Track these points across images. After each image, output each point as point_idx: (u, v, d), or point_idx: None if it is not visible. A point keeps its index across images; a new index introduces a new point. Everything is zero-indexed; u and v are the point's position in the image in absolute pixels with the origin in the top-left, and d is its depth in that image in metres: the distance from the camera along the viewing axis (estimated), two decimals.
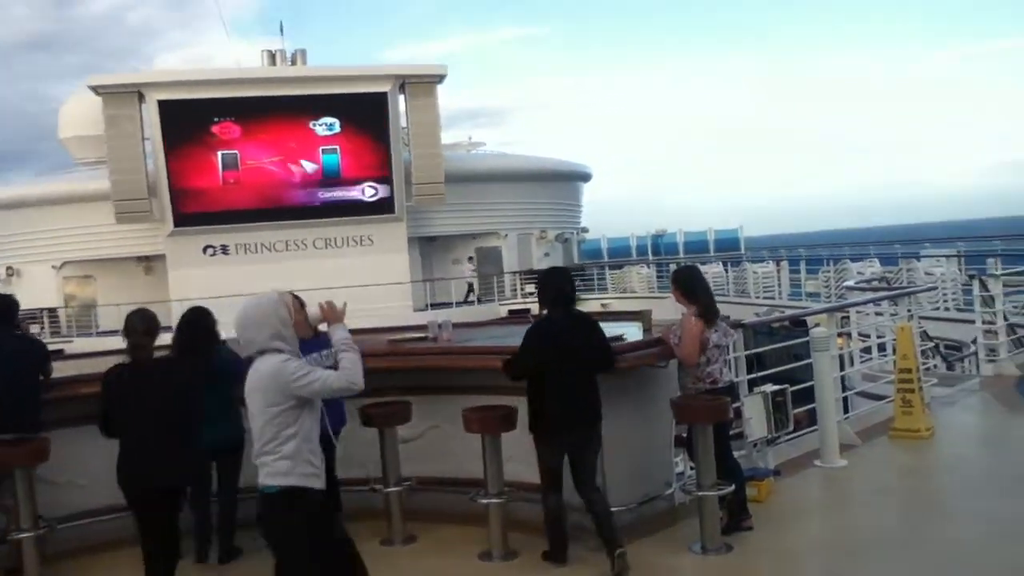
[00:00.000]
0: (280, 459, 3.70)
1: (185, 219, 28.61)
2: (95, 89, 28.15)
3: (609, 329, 6.70)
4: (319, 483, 3.79)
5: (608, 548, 5.01)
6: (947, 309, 15.80)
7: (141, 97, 28.10)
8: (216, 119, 28.62)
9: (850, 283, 14.07)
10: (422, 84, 30.14)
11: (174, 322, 6.18)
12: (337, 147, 29.63)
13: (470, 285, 31.92)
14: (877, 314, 10.56)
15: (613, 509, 5.54)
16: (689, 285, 5.73)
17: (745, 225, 37.42)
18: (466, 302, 30.26)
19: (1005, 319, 10.26)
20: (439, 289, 31.27)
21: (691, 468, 5.74)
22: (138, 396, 4.62)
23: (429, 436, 6.22)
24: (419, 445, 6.19)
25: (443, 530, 5.89)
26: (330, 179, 29.71)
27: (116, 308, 23.39)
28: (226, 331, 6.58)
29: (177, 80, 28.87)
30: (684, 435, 5.67)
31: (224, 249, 29.36)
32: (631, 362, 5.58)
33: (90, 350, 10.88)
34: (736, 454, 5.92)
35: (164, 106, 27.85)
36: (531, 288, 27.48)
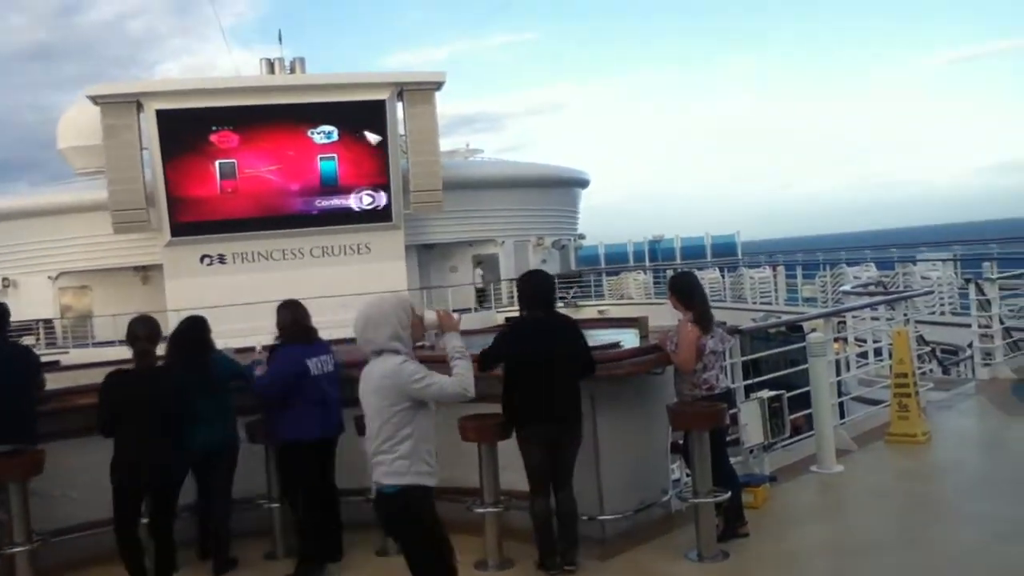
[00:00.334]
0: (398, 459, 3.79)
1: (183, 228, 28.59)
2: (93, 99, 28.16)
3: (606, 336, 6.72)
4: (434, 481, 3.88)
5: (562, 558, 5.10)
6: (943, 313, 15.81)
7: (139, 107, 28.11)
8: (214, 128, 28.63)
9: (847, 288, 14.07)
10: (420, 91, 30.18)
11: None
12: (335, 155, 29.64)
13: (481, 291, 31.91)
14: (873, 319, 10.57)
15: (609, 517, 5.56)
16: (686, 291, 5.75)
17: (742, 230, 37.47)
18: (481, 308, 30.23)
19: (1001, 323, 10.27)
20: (437, 297, 31.26)
21: (687, 475, 5.74)
22: (139, 399, 5.10)
23: None
24: None
25: None
26: (328, 187, 29.72)
27: (112, 319, 23.39)
28: (222, 340, 6.63)
29: (175, 89, 28.90)
30: (680, 442, 5.67)
31: (221, 258, 29.35)
32: (627, 369, 5.59)
33: (86, 361, 10.87)
34: (732, 460, 5.91)
35: (162, 115, 27.87)
36: None
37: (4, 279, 30.41)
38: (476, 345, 5.54)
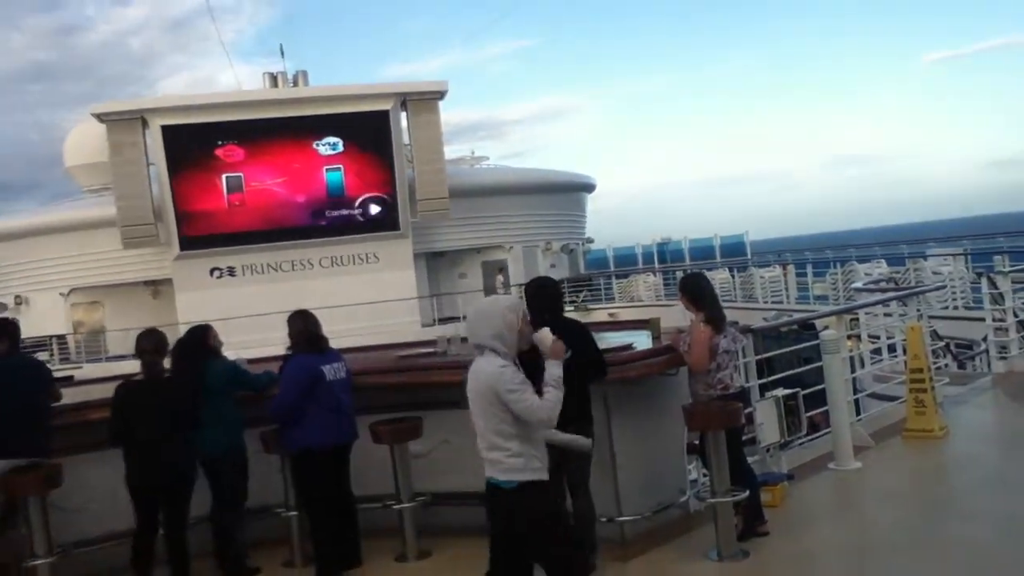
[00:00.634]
0: (511, 456, 3.86)
1: (191, 242, 28.70)
2: (99, 117, 28.31)
3: (618, 338, 6.71)
4: (545, 474, 3.92)
5: None
6: (956, 308, 15.73)
7: (144, 123, 28.23)
8: (219, 142, 28.73)
9: (858, 285, 14.01)
10: (423, 101, 30.23)
11: None
12: (341, 166, 29.72)
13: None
14: (886, 315, 10.53)
15: (628, 518, 5.54)
16: (696, 292, 5.74)
17: (750, 230, 37.38)
18: None
19: (1015, 316, 10.21)
20: (447, 304, 31.27)
21: (704, 475, 5.72)
22: (147, 407, 5.48)
23: (441, 451, 6.21)
24: (431, 460, 6.18)
25: (457, 545, 5.86)
26: (334, 198, 29.79)
27: (124, 333, 23.47)
28: (233, 351, 6.66)
29: (180, 105, 29.02)
30: (696, 442, 5.65)
31: (231, 271, 29.44)
32: (641, 370, 5.58)
33: (100, 376, 10.93)
34: (749, 459, 5.89)
35: (167, 131, 27.99)
36: None
37: (17, 297, 30.58)
38: None
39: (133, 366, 5.92)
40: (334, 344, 5.95)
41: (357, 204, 29.90)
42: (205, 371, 5.82)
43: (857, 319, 10.90)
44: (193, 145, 28.26)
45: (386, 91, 30.34)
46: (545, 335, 4.02)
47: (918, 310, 9.30)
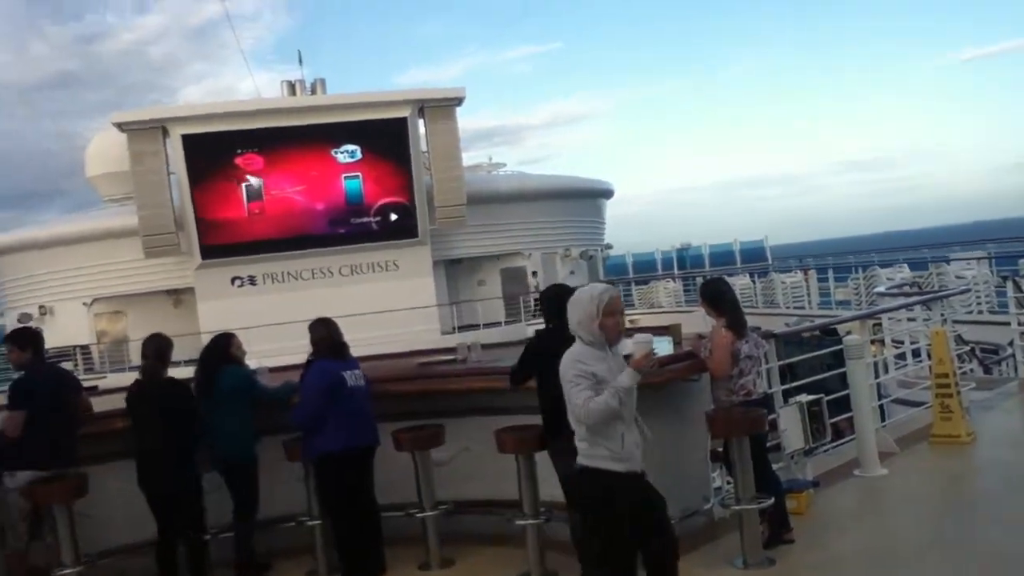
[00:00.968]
0: (579, 440, 3.99)
1: (212, 251, 28.86)
2: (119, 126, 28.53)
3: None
4: (618, 466, 3.92)
5: None
6: (980, 312, 15.56)
7: (165, 132, 28.43)
8: (239, 151, 28.90)
9: (881, 289, 13.90)
10: (441, 108, 30.28)
11: None
12: (359, 174, 29.83)
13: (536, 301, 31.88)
14: (910, 320, 10.43)
15: None
16: (717, 297, 5.71)
17: (769, 235, 37.20)
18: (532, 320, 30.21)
19: None
20: (465, 311, 31.28)
21: (728, 482, 5.67)
22: (147, 412, 5.60)
23: (462, 459, 6.20)
24: (453, 468, 6.17)
25: (481, 553, 5.86)
26: (353, 206, 29.90)
27: None
28: (255, 360, 6.68)
29: (200, 114, 29.20)
30: (720, 449, 5.61)
31: (252, 279, 29.59)
32: (663, 376, 5.54)
33: (123, 385, 10.95)
34: (774, 466, 5.84)
35: (188, 140, 28.18)
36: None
37: (40, 306, 30.83)
38: (511, 358, 5.54)
39: None
40: (354, 352, 5.97)
41: (375, 212, 29.98)
42: (219, 378, 5.85)
43: (880, 324, 10.80)
44: (213, 154, 28.44)
45: (403, 98, 30.42)
46: (638, 342, 3.99)
47: (942, 314, 9.20)
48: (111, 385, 6.57)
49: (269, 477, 6.05)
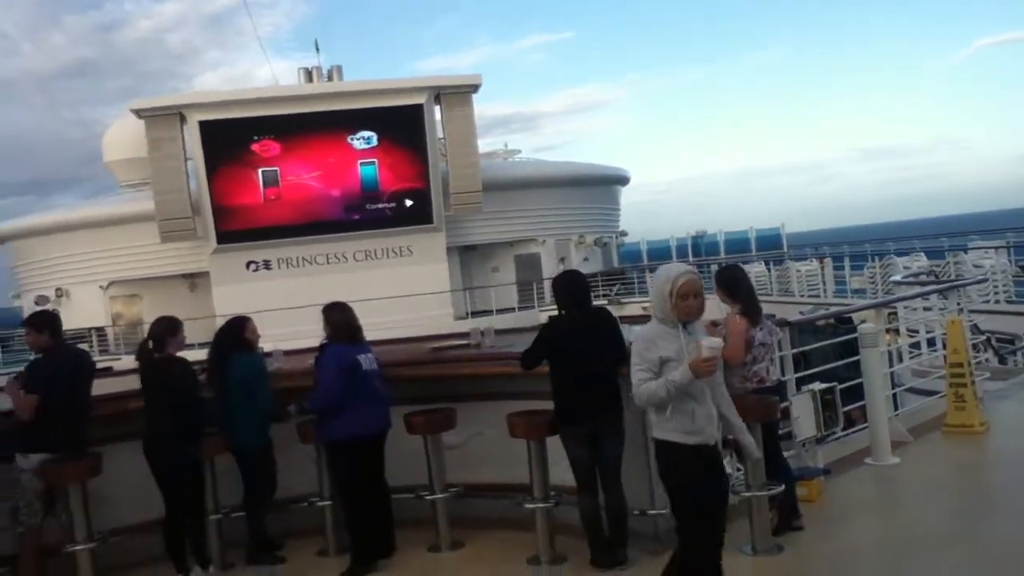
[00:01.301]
0: (653, 414, 4.08)
1: (228, 236, 29.01)
2: (137, 113, 28.70)
3: None
4: (692, 439, 3.98)
5: (613, 555, 5.14)
6: (998, 302, 15.45)
7: (182, 119, 28.56)
8: (256, 137, 29.00)
9: (897, 278, 13.82)
10: (457, 94, 30.26)
11: None
12: (375, 160, 29.85)
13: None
14: (926, 309, 10.36)
15: (661, 511, 5.50)
16: (731, 284, 5.69)
17: (786, 223, 37.00)
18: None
19: None
20: (479, 297, 31.32)
21: (739, 469, 5.67)
22: (146, 392, 5.69)
23: (474, 442, 6.22)
24: (464, 452, 6.19)
25: (490, 536, 5.88)
26: (369, 192, 29.95)
27: None
28: (270, 343, 6.72)
29: (217, 101, 29.30)
30: (730, 437, 5.60)
31: (267, 264, 29.73)
32: None
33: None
34: (785, 454, 5.83)
35: (205, 126, 28.30)
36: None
37: (57, 289, 31.12)
38: (524, 344, 5.55)
39: None
40: (367, 336, 5.98)
41: (390, 198, 30.02)
42: (229, 366, 5.88)
43: (895, 313, 10.74)
44: (230, 140, 28.55)
45: (420, 85, 30.40)
46: (706, 346, 3.93)
47: (958, 304, 9.14)
48: (126, 367, 6.60)
49: (282, 458, 6.08)
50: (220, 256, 29.18)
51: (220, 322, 6.36)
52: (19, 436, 5.46)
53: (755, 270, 25.67)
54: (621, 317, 5.90)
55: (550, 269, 32.01)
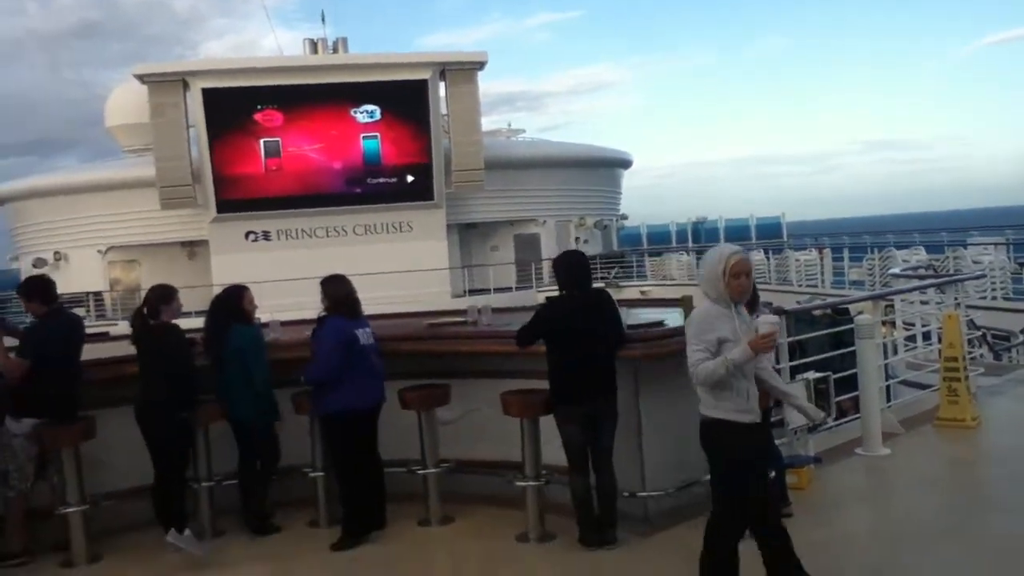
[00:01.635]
0: (703, 393, 4.12)
1: (228, 205, 28.97)
2: (141, 78, 28.57)
3: (650, 315, 6.68)
4: (745, 417, 4.06)
5: (602, 535, 5.18)
6: (995, 298, 15.47)
7: (186, 85, 28.43)
8: (259, 107, 28.90)
9: (895, 271, 13.83)
10: (462, 71, 30.14)
11: None
12: (377, 134, 29.76)
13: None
14: (923, 302, 10.37)
15: (652, 494, 5.54)
16: None
17: (786, 211, 36.99)
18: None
19: None
20: (477, 275, 31.32)
21: None
22: (139, 357, 5.67)
23: (469, 419, 6.24)
24: (458, 428, 6.21)
25: (480, 512, 5.92)
26: (370, 166, 29.87)
27: None
28: (267, 314, 6.71)
29: (221, 68, 29.19)
30: (791, 403, 5.61)
31: (266, 235, 29.71)
32: (672, 347, 5.53)
33: None
34: (777, 441, 5.84)
35: (208, 94, 28.18)
36: None
37: (56, 252, 31.08)
38: (520, 323, 5.56)
39: None
40: (364, 310, 5.98)
41: (392, 173, 29.96)
42: (228, 337, 5.87)
43: (892, 305, 10.75)
44: (233, 109, 28.45)
45: (425, 60, 30.27)
46: (764, 322, 4.10)
47: (956, 298, 9.15)
48: (122, 332, 6.60)
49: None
50: (219, 225, 29.13)
51: (218, 290, 6.35)
52: (10, 400, 5.46)
53: (754, 258, 25.67)
54: (619, 300, 5.91)
55: (549, 250, 31.99)
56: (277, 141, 29.15)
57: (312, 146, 29.58)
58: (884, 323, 9.36)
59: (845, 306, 9.60)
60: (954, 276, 12.02)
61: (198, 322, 6.19)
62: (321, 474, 6.01)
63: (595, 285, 5.71)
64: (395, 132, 29.76)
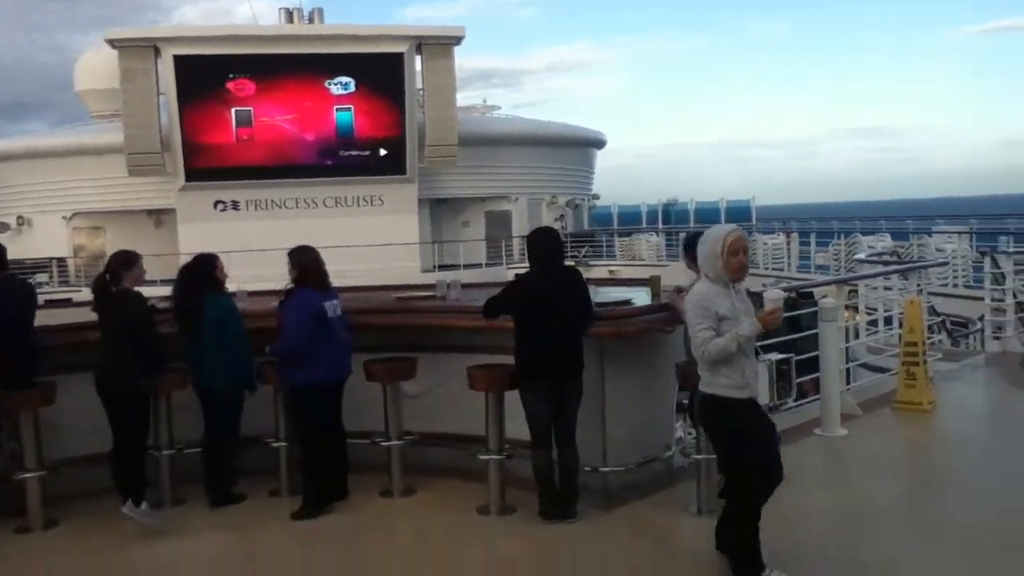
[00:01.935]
0: (703, 371, 4.22)
1: (197, 174, 28.64)
2: (111, 43, 28.11)
3: (617, 294, 6.72)
4: (743, 393, 4.17)
5: (563, 510, 5.24)
6: (956, 286, 15.74)
7: (157, 51, 28.01)
8: (231, 76, 28.55)
9: (860, 256, 14.00)
10: (439, 45, 29.94)
11: None
12: (351, 107, 29.52)
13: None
14: (886, 288, 10.54)
15: (613, 469, 5.61)
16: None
17: (757, 195, 37.20)
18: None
19: (1014, 297, 10.23)
20: (448, 251, 31.28)
21: (690, 434, 5.77)
22: (101, 322, 5.59)
23: (434, 393, 6.27)
24: (423, 401, 6.24)
25: (442, 484, 5.96)
26: (343, 138, 29.64)
27: None
28: (234, 284, 6.67)
29: (193, 35, 28.78)
30: (685, 402, 5.69)
31: (235, 205, 29.44)
32: (639, 326, 5.59)
33: None
34: None
35: (179, 61, 27.78)
36: None
37: (19, 217, 30.62)
38: (484, 299, 5.57)
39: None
40: (333, 283, 5.96)
41: (365, 146, 29.76)
42: (204, 304, 5.82)
43: (856, 290, 10.91)
44: (204, 76, 28.07)
45: (402, 33, 30.03)
46: (770, 298, 4.10)
47: (918, 285, 9.30)
48: (85, 299, 6.51)
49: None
50: (188, 193, 28.81)
51: (185, 259, 6.28)
52: None
53: None
54: (587, 279, 5.94)
55: (521, 227, 31.97)
56: (249, 111, 28.83)
57: (284, 117, 29.30)
58: (847, 307, 9.49)
59: (809, 290, 9.71)
60: (917, 263, 12.20)
61: (164, 290, 6.13)
62: (284, 444, 6.02)
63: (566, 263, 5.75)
64: (369, 105, 29.54)
